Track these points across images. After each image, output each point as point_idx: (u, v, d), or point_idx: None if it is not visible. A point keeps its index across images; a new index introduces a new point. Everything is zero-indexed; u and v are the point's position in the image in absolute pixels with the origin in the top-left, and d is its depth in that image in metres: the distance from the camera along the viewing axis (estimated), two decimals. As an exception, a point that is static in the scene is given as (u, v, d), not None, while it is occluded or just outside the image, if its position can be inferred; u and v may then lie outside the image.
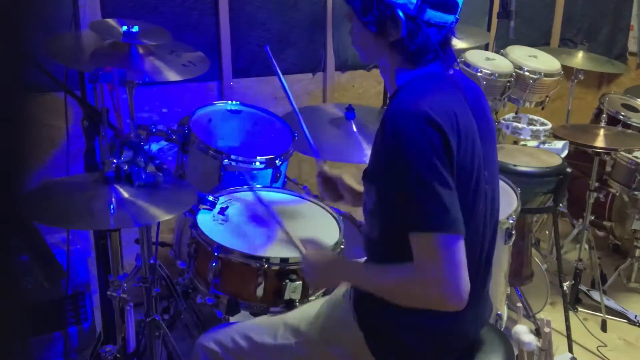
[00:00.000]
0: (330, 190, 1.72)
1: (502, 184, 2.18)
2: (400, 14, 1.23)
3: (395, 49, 1.28)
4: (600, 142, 2.77)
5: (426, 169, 1.17)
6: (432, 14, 1.24)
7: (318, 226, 1.88)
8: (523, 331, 1.86)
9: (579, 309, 2.91)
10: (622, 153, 2.90)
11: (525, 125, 2.99)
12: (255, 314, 1.70)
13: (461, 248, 1.19)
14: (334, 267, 1.47)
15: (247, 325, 1.59)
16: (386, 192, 1.25)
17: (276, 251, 1.71)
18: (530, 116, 3.10)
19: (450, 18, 1.27)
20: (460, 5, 1.28)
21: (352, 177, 1.68)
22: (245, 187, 2.01)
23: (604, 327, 2.79)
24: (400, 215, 1.22)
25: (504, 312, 2.22)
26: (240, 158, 2.07)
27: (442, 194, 1.17)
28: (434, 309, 1.23)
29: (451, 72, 1.34)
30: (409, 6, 1.23)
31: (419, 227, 1.19)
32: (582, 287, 2.99)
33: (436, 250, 1.18)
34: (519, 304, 2.17)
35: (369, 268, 1.41)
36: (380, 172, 1.26)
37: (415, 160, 1.18)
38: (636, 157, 2.89)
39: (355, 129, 2.39)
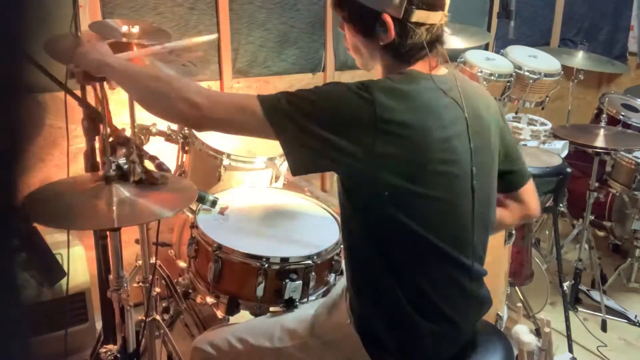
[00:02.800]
0: None
1: (502, 184, 2.18)
2: (388, 18, 1.23)
3: (386, 51, 1.28)
4: (600, 142, 2.77)
5: (320, 108, 1.20)
6: (421, 15, 1.23)
7: (318, 226, 1.88)
8: (523, 331, 1.86)
9: (579, 309, 2.91)
10: (622, 153, 2.90)
11: (525, 125, 2.99)
12: (255, 314, 1.70)
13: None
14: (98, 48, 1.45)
15: (243, 327, 1.58)
16: None
17: (276, 250, 1.71)
18: (530, 116, 3.11)
19: (438, 16, 1.26)
20: (447, 1, 1.27)
21: None
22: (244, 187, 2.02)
23: (604, 327, 2.79)
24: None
25: (504, 312, 2.22)
26: (240, 158, 2.08)
27: (313, 136, 1.19)
28: (166, 118, 1.33)
29: (444, 72, 1.32)
30: (394, 10, 1.22)
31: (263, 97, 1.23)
32: (582, 287, 2.99)
33: (236, 102, 1.25)
34: (519, 304, 2.17)
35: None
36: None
37: (324, 93, 1.21)
38: (636, 157, 2.89)
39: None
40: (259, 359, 1.51)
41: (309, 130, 1.19)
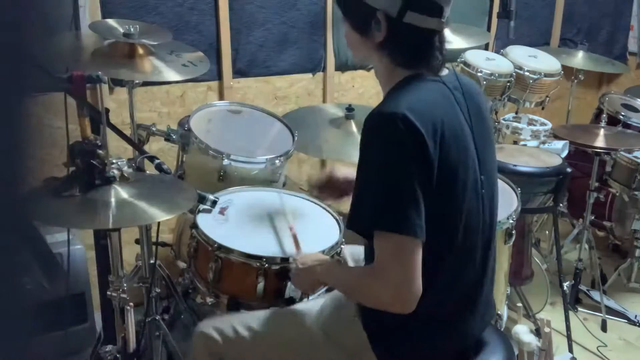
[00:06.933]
0: (330, 190, 1.73)
1: (502, 184, 2.18)
2: (382, 16, 1.24)
3: (382, 50, 1.29)
4: (600, 142, 2.77)
5: (394, 169, 1.18)
6: (415, 17, 1.24)
7: (318, 226, 1.88)
8: (523, 331, 1.86)
9: (579, 309, 2.91)
10: (622, 153, 2.90)
11: (525, 125, 2.99)
12: (255, 314, 1.69)
13: (419, 252, 1.20)
14: (317, 269, 1.48)
15: (250, 316, 1.57)
16: (359, 189, 1.25)
17: (276, 251, 1.71)
18: (530, 116, 3.11)
19: (434, 22, 1.26)
20: (444, 9, 1.26)
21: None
22: (244, 187, 2.02)
23: (604, 327, 2.79)
24: (368, 212, 1.22)
25: (504, 312, 2.22)
26: (240, 158, 2.07)
27: (406, 195, 1.18)
28: (384, 309, 1.25)
29: (445, 72, 1.33)
30: (389, 8, 1.23)
31: (380, 226, 1.20)
32: (582, 287, 2.99)
33: (395, 252, 1.19)
34: (519, 304, 2.17)
35: (338, 267, 1.46)
36: (358, 170, 1.26)
37: (384, 159, 1.19)
38: (636, 157, 2.89)
39: (355, 129, 2.39)
40: (264, 349, 1.50)
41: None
